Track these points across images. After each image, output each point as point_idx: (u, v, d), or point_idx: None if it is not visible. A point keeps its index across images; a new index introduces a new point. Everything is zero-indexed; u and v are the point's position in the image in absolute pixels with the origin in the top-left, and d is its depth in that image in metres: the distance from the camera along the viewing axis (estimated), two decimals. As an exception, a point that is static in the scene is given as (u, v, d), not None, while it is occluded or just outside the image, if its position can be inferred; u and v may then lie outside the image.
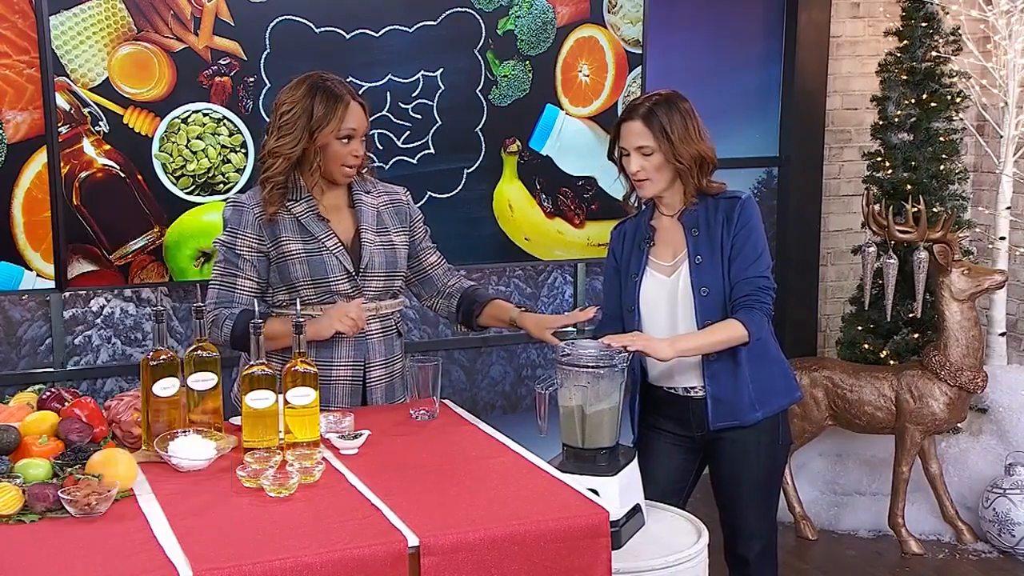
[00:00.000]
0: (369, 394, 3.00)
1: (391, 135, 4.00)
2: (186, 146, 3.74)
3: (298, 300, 2.79)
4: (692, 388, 2.94)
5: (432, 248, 3.18)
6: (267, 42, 3.79)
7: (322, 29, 3.85)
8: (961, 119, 4.63)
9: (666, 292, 2.92)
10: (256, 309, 2.64)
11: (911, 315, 4.44)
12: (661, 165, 2.89)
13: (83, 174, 3.64)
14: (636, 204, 3.07)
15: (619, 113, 4.26)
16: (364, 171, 3.08)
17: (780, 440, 2.99)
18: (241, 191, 3.78)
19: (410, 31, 3.97)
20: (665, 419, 3.01)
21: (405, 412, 2.83)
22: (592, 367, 2.65)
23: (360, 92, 3.88)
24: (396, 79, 3.97)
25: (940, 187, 4.52)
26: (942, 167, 4.52)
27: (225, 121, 3.77)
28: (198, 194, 3.77)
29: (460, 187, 4.12)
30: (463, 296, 3.16)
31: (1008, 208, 4.56)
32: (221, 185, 3.79)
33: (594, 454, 2.66)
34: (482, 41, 4.06)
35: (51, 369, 3.88)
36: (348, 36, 3.88)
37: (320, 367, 2.81)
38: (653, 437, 3.04)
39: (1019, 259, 4.81)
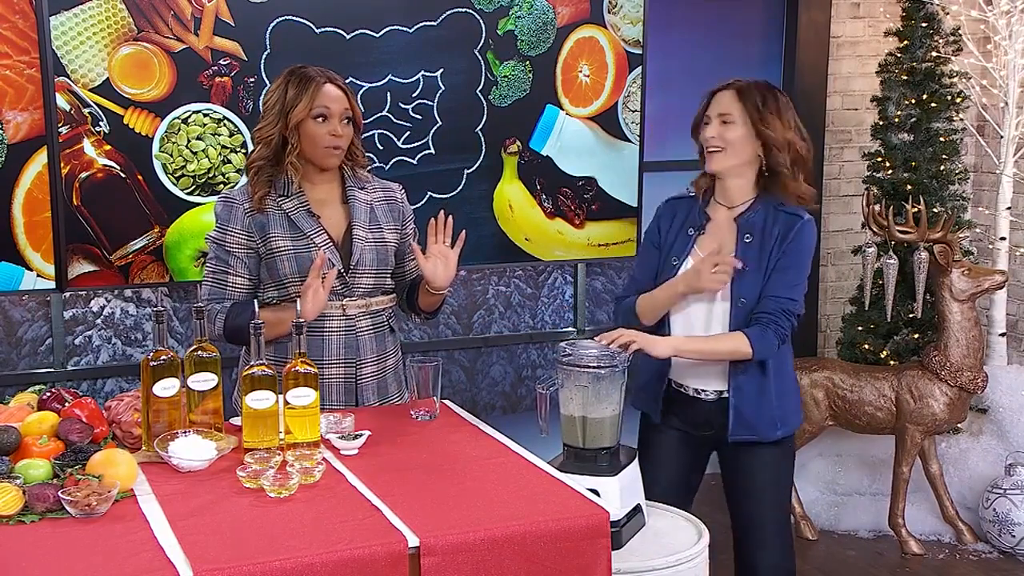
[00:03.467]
0: (361, 391, 2.99)
1: (391, 135, 4.00)
2: (186, 146, 3.74)
3: (297, 302, 2.79)
4: (703, 391, 2.93)
5: (415, 249, 3.16)
6: (267, 42, 3.79)
7: (322, 29, 3.85)
8: (961, 119, 4.63)
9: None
10: (256, 308, 2.65)
11: (911, 315, 4.44)
12: (741, 140, 2.83)
13: (83, 174, 3.65)
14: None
15: (620, 114, 4.29)
16: (364, 169, 3.08)
17: (791, 455, 3.01)
18: (241, 191, 3.79)
19: (410, 31, 3.97)
20: (672, 416, 3.00)
21: (405, 412, 2.83)
22: (593, 367, 2.65)
23: (360, 92, 3.91)
24: (396, 79, 3.97)
25: (940, 187, 4.52)
26: (942, 167, 4.52)
27: (225, 121, 3.77)
28: (198, 194, 3.77)
29: (460, 187, 4.12)
30: (409, 286, 3.15)
31: (1008, 208, 4.56)
32: (221, 185, 3.79)
33: (595, 454, 2.66)
34: (482, 41, 4.06)
35: (51, 369, 3.88)
36: (348, 36, 3.88)
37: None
38: (655, 427, 3.03)
39: (1019, 259, 4.81)
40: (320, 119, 2.89)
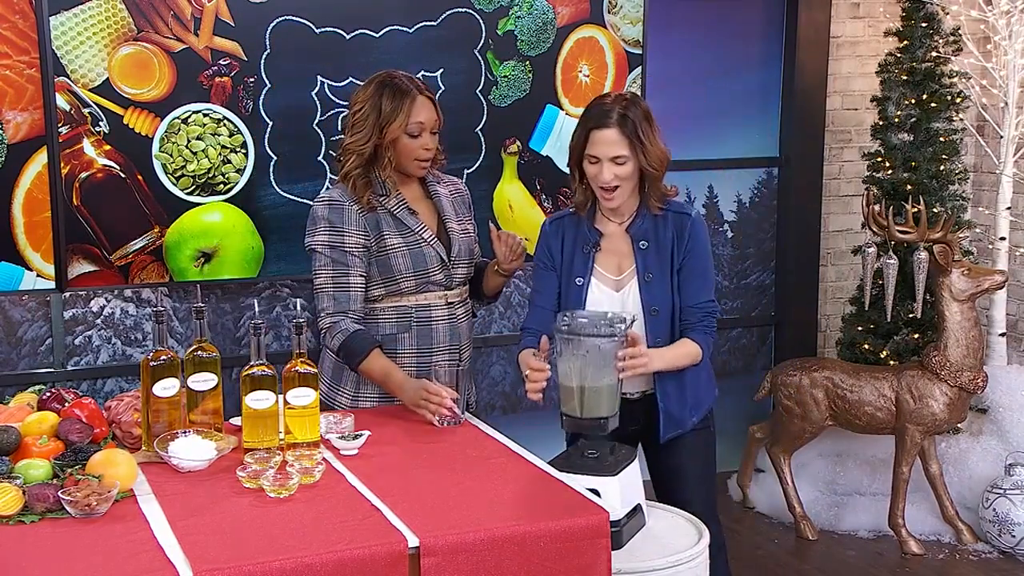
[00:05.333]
0: (461, 377, 3.02)
1: (391, 135, 4.00)
2: (186, 146, 3.74)
3: (298, 303, 2.81)
4: (630, 393, 2.94)
5: (477, 240, 3.25)
6: (267, 42, 3.79)
7: (322, 29, 3.85)
8: (961, 119, 4.62)
9: (606, 305, 2.89)
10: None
11: (911, 315, 4.44)
12: (632, 173, 2.86)
13: (83, 174, 3.64)
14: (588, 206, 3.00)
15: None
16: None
17: (711, 437, 3.06)
18: (241, 191, 3.79)
19: (410, 31, 3.97)
20: None
21: (405, 413, 2.83)
22: (592, 335, 2.64)
23: (360, 92, 3.91)
24: (396, 79, 3.97)
25: (940, 187, 4.52)
26: (942, 167, 4.52)
27: (225, 121, 3.77)
28: (198, 194, 3.77)
29: (460, 187, 4.12)
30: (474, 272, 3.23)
31: (1008, 208, 4.56)
32: (221, 185, 3.79)
33: (594, 422, 2.67)
34: (482, 41, 4.06)
35: (51, 369, 3.88)
36: (348, 36, 3.88)
37: (421, 355, 2.98)
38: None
39: (1019, 259, 4.81)
40: (415, 134, 2.98)
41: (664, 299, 2.88)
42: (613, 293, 2.92)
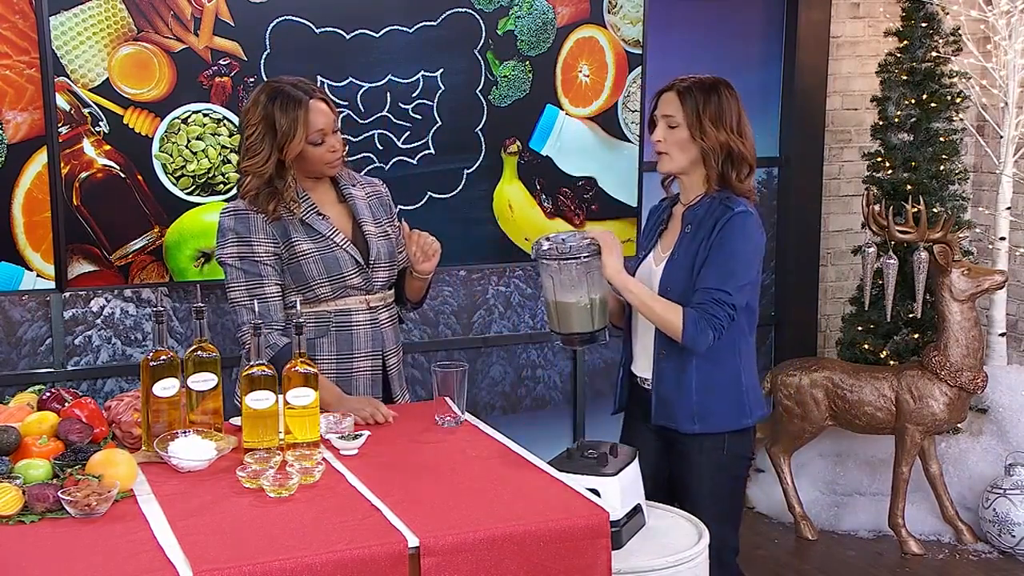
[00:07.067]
0: (389, 382, 3.05)
1: (391, 135, 4.00)
2: (186, 146, 3.74)
3: (298, 301, 2.79)
4: (644, 379, 2.97)
5: (403, 244, 3.16)
6: (267, 42, 3.79)
7: (322, 29, 3.85)
8: (961, 119, 4.63)
9: (646, 281, 2.92)
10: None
11: (911, 315, 4.44)
12: (684, 142, 2.85)
13: (83, 174, 3.65)
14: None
15: (619, 114, 4.29)
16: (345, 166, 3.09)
17: (724, 459, 2.91)
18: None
19: (410, 31, 3.97)
20: (636, 407, 3.04)
21: (404, 413, 2.83)
22: (572, 258, 2.75)
23: (360, 92, 3.91)
24: (396, 79, 3.97)
25: (940, 187, 4.52)
26: (942, 167, 4.52)
27: (225, 121, 3.77)
28: (198, 194, 3.77)
29: (460, 187, 4.12)
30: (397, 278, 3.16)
31: (1008, 208, 4.56)
32: (221, 185, 3.79)
33: (595, 336, 2.81)
34: (482, 41, 4.06)
35: (51, 369, 3.88)
36: (348, 36, 3.88)
37: (341, 361, 2.92)
38: (631, 424, 3.08)
39: (1019, 259, 4.81)
40: (318, 143, 2.90)
41: (677, 282, 2.85)
42: (653, 268, 2.96)
